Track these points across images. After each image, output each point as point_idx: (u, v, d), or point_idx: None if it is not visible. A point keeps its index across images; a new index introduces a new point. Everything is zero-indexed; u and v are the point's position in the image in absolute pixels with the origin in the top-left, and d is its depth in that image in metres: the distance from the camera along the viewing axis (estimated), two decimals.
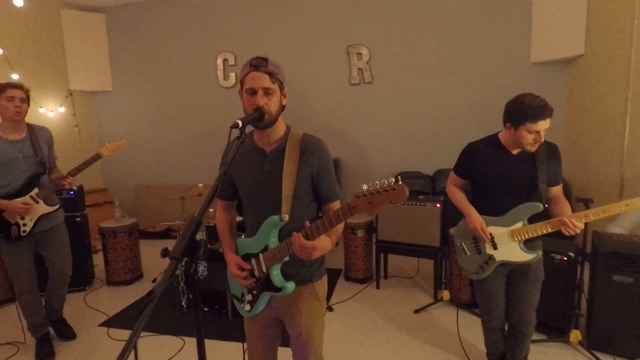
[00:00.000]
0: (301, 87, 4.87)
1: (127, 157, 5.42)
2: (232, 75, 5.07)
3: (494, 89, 4.20)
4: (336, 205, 1.42)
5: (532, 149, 1.74)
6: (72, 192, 3.54)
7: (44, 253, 2.59)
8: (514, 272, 1.91)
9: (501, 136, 1.87)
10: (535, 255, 1.80)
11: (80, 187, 3.71)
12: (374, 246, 3.48)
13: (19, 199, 2.35)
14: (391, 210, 3.26)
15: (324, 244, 1.29)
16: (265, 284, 1.39)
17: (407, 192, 1.07)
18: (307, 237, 1.24)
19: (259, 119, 1.28)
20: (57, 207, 2.56)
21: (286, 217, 1.34)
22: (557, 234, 1.76)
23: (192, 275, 0.87)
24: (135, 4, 5.28)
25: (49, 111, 4.84)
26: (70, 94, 5.17)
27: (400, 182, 1.08)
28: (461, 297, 2.99)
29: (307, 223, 1.25)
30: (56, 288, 2.67)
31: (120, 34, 5.41)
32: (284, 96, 1.37)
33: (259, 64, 1.28)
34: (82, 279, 3.57)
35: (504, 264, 1.88)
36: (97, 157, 2.56)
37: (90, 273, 3.76)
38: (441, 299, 3.07)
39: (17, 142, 2.40)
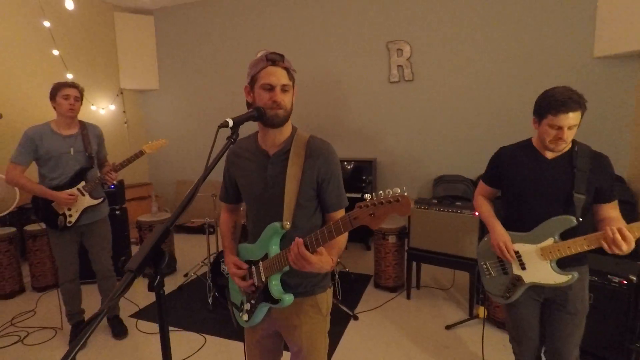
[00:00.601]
0: (338, 85, 4.75)
1: (171, 153, 5.63)
2: None
3: (550, 87, 3.79)
4: (340, 214, 1.29)
5: (554, 147, 1.53)
6: (112, 187, 3.71)
7: (87, 245, 2.72)
8: (549, 301, 1.65)
9: (534, 139, 1.67)
10: (569, 277, 1.52)
11: (121, 182, 3.88)
12: (405, 253, 3.28)
13: (67, 191, 2.48)
14: (425, 217, 3.04)
15: (322, 263, 1.13)
16: (263, 294, 1.30)
17: (412, 205, 0.93)
18: (305, 248, 1.13)
19: (257, 118, 1.19)
20: (101, 200, 2.67)
21: (288, 224, 1.24)
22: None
23: (158, 288, 0.79)
24: (182, 5, 5.46)
25: (100, 109, 5.14)
26: (121, 92, 5.47)
27: (405, 193, 0.95)
28: (498, 315, 2.71)
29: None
30: (100, 280, 2.81)
31: (167, 35, 5.63)
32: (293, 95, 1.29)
33: (276, 58, 1.21)
34: (119, 270, 3.73)
35: (537, 288, 1.63)
36: (140, 154, 2.65)
37: None
38: (476, 316, 2.82)
39: (70, 137, 2.53)
